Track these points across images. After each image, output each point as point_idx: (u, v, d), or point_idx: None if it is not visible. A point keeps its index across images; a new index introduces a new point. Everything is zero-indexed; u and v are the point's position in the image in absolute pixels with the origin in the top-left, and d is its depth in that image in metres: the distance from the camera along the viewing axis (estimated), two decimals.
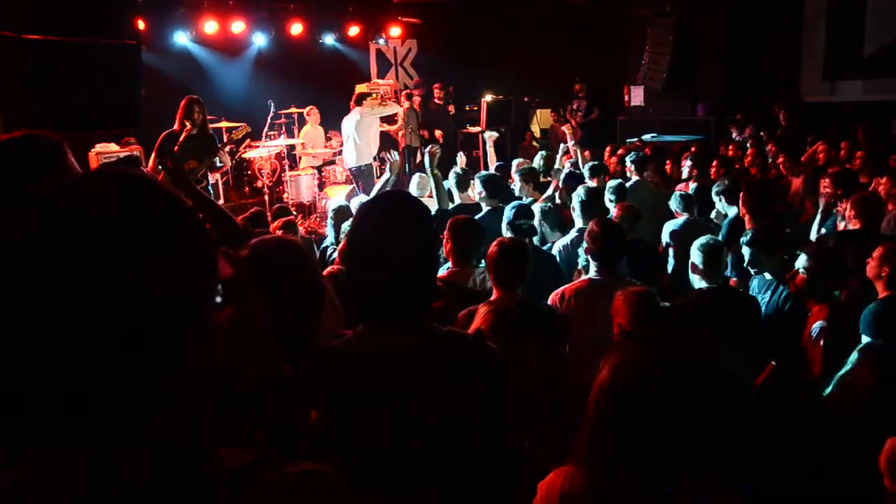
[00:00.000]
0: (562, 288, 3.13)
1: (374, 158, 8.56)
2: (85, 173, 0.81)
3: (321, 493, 0.73)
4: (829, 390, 2.51)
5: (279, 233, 4.36)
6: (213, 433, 0.78)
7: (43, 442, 0.66)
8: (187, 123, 5.96)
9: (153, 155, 6.00)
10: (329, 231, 5.34)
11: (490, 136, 7.57)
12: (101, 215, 0.68)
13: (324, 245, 5.21)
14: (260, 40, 10.50)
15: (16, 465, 0.65)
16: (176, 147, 5.88)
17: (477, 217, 4.41)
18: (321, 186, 9.25)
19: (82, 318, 0.64)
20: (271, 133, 9.70)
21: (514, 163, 7.09)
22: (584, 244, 3.25)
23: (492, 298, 2.90)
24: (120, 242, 0.67)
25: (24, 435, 0.66)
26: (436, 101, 11.21)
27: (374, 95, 8.83)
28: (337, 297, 2.28)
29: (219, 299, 0.89)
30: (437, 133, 10.85)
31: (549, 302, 3.08)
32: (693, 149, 7.33)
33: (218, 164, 6.81)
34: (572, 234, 4.20)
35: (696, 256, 3.26)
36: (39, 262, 0.65)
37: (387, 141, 9.38)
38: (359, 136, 8.34)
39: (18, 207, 0.68)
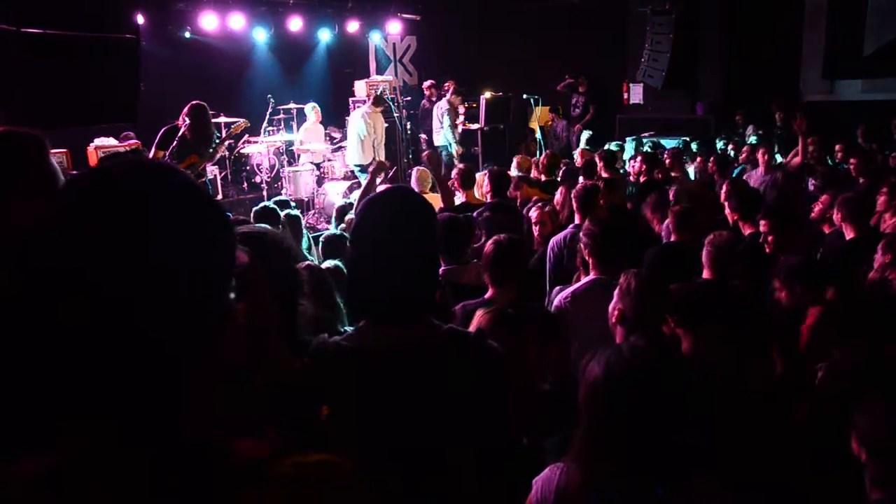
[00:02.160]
0: (568, 289, 3.11)
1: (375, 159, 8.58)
2: (113, 161, 0.80)
3: (335, 483, 0.74)
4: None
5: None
6: (231, 428, 0.79)
7: (63, 434, 0.66)
8: (187, 120, 5.97)
9: (153, 149, 6.02)
10: (333, 229, 5.36)
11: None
12: (129, 200, 0.67)
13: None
14: (259, 35, 10.48)
15: (39, 456, 0.66)
16: (175, 142, 5.89)
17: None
18: (320, 182, 9.25)
19: (102, 305, 0.64)
20: (270, 128, 9.69)
21: (515, 159, 7.08)
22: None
23: (486, 297, 2.89)
24: (141, 227, 0.66)
25: (45, 427, 0.66)
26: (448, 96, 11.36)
27: (383, 92, 8.91)
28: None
29: (232, 294, 0.89)
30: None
31: (555, 302, 3.06)
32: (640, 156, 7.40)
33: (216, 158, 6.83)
34: (569, 228, 4.20)
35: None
36: (63, 251, 0.65)
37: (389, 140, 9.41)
38: (364, 134, 8.34)
39: (46, 196, 0.68)
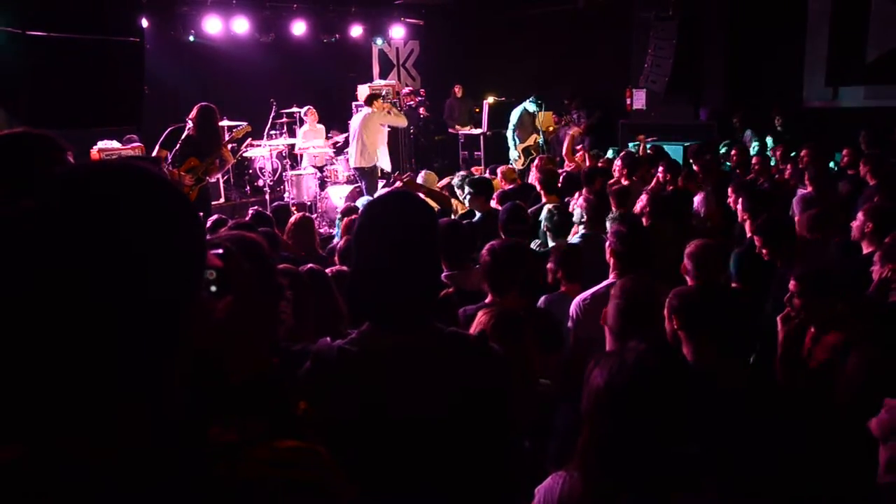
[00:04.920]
0: (587, 291, 3.07)
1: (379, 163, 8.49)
2: (95, 161, 0.85)
3: (309, 468, 0.76)
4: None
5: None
6: (205, 422, 0.80)
7: (39, 421, 0.68)
8: (191, 122, 5.99)
9: (157, 147, 6.05)
10: (337, 233, 5.36)
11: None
12: (102, 197, 0.70)
13: (330, 246, 5.21)
14: (263, 39, 10.51)
15: (13, 443, 0.67)
16: (179, 144, 5.91)
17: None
18: (322, 186, 9.26)
19: (86, 295, 0.66)
20: (273, 132, 9.72)
21: (500, 169, 7.07)
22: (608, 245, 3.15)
23: (486, 301, 2.88)
24: (113, 226, 0.69)
25: (23, 414, 0.68)
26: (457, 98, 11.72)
27: (385, 96, 8.82)
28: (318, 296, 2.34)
29: (214, 288, 0.91)
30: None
31: (573, 304, 3.04)
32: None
33: (218, 164, 6.83)
34: (574, 238, 4.17)
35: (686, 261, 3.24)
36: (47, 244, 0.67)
37: (391, 141, 9.40)
38: (365, 136, 8.27)
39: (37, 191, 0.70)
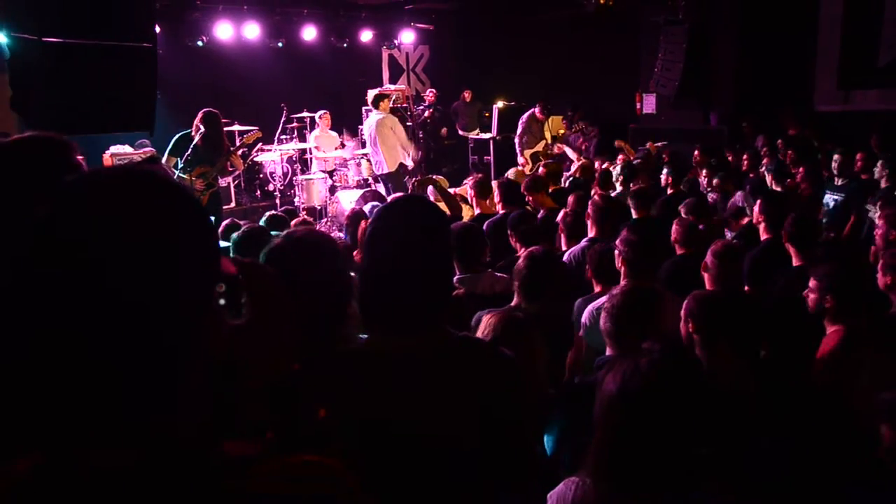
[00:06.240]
0: (596, 302, 3.06)
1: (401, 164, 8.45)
2: (100, 168, 0.85)
3: (321, 483, 0.75)
4: None
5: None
6: (222, 428, 0.80)
7: (51, 433, 0.68)
8: (202, 127, 6.04)
9: (165, 155, 6.10)
10: (345, 237, 5.39)
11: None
12: (113, 206, 0.70)
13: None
14: (273, 45, 10.57)
15: (27, 456, 0.67)
16: (190, 150, 5.96)
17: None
18: (332, 190, 9.30)
19: (89, 308, 0.67)
20: (283, 137, 9.77)
21: (509, 173, 7.08)
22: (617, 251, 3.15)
23: (511, 305, 2.88)
24: (125, 234, 0.69)
25: (34, 427, 0.68)
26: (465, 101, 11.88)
27: (393, 98, 8.82)
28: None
29: (223, 301, 0.91)
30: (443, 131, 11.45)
31: (585, 313, 3.04)
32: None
33: (230, 169, 6.88)
34: (583, 242, 4.16)
35: (709, 259, 3.23)
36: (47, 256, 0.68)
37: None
38: (381, 140, 8.21)
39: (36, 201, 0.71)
